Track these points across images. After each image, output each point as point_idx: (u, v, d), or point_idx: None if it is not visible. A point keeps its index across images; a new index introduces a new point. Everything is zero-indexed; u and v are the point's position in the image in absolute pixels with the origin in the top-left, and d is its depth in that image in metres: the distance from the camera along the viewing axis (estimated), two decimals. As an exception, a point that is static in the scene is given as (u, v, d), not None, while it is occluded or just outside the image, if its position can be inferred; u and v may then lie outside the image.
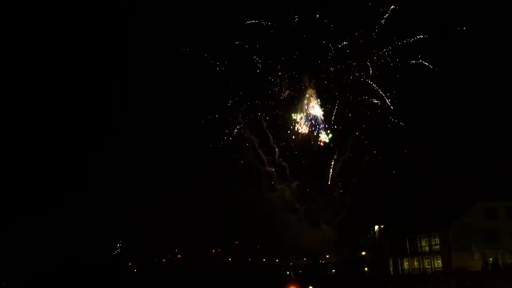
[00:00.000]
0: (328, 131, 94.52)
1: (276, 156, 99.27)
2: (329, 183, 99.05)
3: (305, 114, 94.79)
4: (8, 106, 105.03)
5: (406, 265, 76.77)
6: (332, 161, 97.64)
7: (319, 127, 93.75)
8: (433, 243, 71.38)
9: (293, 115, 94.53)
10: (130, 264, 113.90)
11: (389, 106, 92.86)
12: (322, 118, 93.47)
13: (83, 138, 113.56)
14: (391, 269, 78.93)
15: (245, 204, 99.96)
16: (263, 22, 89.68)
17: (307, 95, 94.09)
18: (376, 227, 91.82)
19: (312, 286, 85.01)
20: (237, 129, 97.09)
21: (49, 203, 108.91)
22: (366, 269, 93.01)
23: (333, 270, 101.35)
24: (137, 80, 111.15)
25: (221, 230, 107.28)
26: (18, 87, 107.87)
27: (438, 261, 70.59)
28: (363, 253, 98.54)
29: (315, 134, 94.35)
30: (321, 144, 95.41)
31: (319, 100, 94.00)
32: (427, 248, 72.69)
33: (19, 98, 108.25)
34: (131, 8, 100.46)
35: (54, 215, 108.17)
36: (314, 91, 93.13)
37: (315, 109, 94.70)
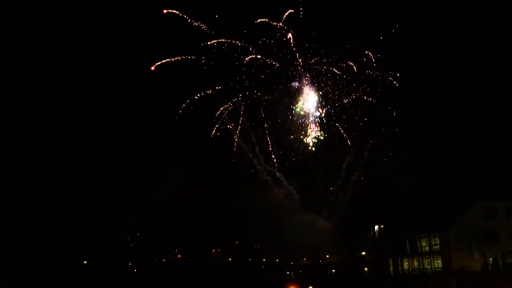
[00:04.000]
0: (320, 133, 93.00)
1: (274, 160, 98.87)
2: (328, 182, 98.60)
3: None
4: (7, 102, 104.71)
5: (406, 265, 76.82)
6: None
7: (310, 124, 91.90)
8: (433, 243, 71.46)
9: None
10: (130, 264, 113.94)
11: (391, 110, 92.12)
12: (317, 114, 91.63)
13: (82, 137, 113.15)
14: (391, 269, 78.98)
15: (245, 204, 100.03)
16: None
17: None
18: (376, 227, 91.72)
19: (312, 286, 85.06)
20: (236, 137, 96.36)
21: (48, 202, 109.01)
22: (366, 269, 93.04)
23: (333, 270, 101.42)
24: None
25: (221, 230, 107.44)
26: (17, 85, 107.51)
27: (438, 261, 70.65)
28: (363, 253, 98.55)
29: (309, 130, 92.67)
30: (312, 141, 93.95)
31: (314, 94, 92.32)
32: (427, 248, 72.74)
33: (18, 95, 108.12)
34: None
35: (54, 214, 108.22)
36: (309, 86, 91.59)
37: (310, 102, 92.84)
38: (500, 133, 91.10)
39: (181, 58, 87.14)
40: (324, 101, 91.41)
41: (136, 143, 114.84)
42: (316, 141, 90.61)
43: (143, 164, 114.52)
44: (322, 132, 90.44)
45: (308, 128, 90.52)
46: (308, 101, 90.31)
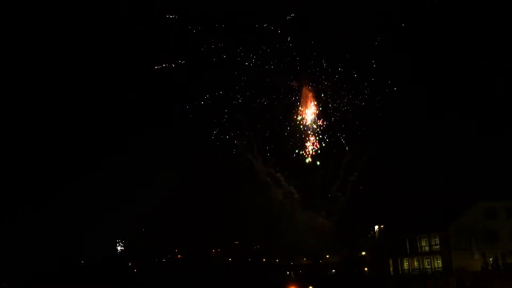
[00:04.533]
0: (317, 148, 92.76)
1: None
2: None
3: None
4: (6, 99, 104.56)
5: (406, 265, 76.84)
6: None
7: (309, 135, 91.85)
8: (433, 243, 71.50)
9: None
10: (130, 264, 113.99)
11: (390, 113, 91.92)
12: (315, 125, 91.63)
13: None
14: (391, 269, 78.98)
15: (245, 204, 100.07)
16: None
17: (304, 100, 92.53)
18: (376, 227, 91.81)
19: (312, 286, 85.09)
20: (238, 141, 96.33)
21: (49, 203, 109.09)
22: (366, 269, 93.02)
23: (333, 270, 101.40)
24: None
25: (221, 230, 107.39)
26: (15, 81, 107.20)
27: (438, 261, 70.70)
28: (363, 253, 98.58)
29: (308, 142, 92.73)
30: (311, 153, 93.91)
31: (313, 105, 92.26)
32: (427, 248, 72.78)
33: (21, 97, 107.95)
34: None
35: (54, 215, 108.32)
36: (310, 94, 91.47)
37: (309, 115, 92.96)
38: (500, 133, 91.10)
39: (182, 62, 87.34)
40: (323, 109, 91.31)
41: (136, 143, 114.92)
42: (314, 154, 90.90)
43: (143, 164, 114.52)
44: (320, 145, 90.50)
45: (307, 141, 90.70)
46: (307, 114, 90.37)
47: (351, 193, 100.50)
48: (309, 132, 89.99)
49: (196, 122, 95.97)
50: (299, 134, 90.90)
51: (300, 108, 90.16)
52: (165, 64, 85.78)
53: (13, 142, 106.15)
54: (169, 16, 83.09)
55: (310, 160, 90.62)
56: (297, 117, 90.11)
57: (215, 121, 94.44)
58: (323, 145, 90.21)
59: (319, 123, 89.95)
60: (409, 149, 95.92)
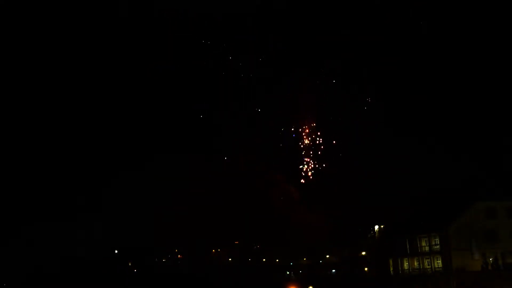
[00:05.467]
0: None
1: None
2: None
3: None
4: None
5: (406, 265, 76.88)
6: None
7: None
8: (433, 243, 71.52)
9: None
10: (130, 264, 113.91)
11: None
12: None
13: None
14: (391, 269, 79.01)
15: (245, 204, 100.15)
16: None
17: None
18: (376, 227, 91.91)
19: (312, 286, 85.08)
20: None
21: (48, 203, 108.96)
22: (366, 269, 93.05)
23: (333, 270, 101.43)
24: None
25: (221, 230, 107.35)
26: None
27: (438, 261, 70.74)
28: (363, 253, 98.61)
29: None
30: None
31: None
32: (427, 248, 72.80)
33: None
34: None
35: (54, 215, 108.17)
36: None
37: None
38: (500, 133, 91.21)
39: (179, 67, 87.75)
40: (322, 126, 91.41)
41: (136, 143, 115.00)
42: (311, 176, 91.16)
43: (142, 163, 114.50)
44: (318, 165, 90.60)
45: (305, 163, 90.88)
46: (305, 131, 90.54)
47: (351, 193, 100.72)
48: (305, 153, 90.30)
49: (196, 122, 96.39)
50: (296, 152, 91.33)
51: (296, 124, 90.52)
52: (162, 68, 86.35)
53: (14, 143, 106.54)
54: (168, 25, 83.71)
55: (306, 178, 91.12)
56: (295, 132, 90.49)
57: (215, 122, 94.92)
58: (320, 168, 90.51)
59: (317, 141, 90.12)
60: (409, 149, 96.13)
